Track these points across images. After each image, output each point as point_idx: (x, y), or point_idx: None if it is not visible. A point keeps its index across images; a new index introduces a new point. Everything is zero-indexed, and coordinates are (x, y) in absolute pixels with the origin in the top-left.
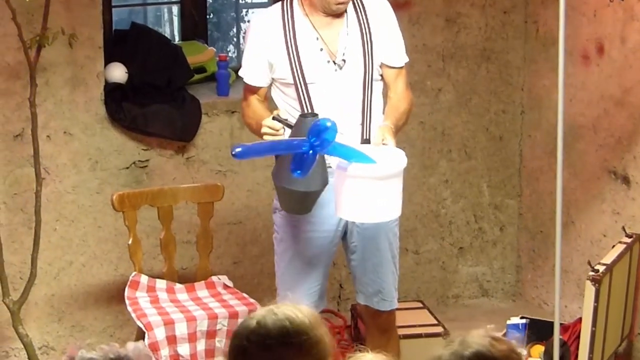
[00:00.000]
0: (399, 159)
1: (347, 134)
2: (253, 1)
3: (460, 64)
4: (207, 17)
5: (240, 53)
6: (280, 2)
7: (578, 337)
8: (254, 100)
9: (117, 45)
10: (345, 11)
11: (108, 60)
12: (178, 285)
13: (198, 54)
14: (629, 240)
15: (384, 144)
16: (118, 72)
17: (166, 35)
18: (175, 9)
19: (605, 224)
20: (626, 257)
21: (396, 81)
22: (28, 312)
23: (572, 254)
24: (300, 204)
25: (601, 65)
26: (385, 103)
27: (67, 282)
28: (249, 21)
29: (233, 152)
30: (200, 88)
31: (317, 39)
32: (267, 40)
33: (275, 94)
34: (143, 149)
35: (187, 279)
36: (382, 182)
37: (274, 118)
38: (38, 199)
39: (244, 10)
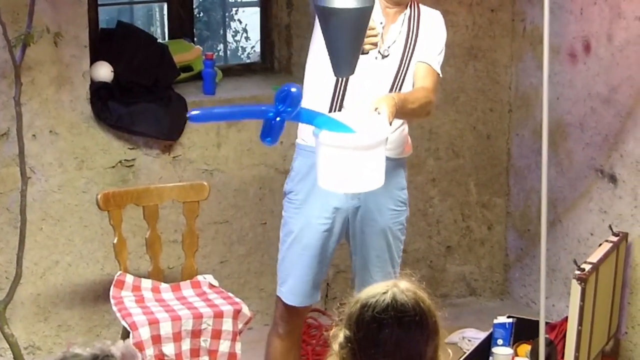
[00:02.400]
0: (379, 130)
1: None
2: (242, 0)
3: (448, 62)
4: (197, 16)
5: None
6: None
7: (565, 336)
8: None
9: (103, 44)
10: (404, 11)
11: (94, 59)
12: (163, 285)
13: (184, 53)
14: (615, 239)
15: (377, 112)
16: (104, 71)
17: (155, 34)
18: (164, 8)
19: (592, 223)
20: (613, 255)
21: (424, 80)
22: (14, 311)
23: (559, 252)
24: None
25: (588, 64)
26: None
27: (53, 281)
28: (239, 20)
29: (188, 115)
30: (186, 87)
31: (381, 23)
32: None
33: (309, 77)
34: (129, 148)
35: (173, 278)
36: (355, 152)
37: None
38: (24, 198)
39: (234, 10)
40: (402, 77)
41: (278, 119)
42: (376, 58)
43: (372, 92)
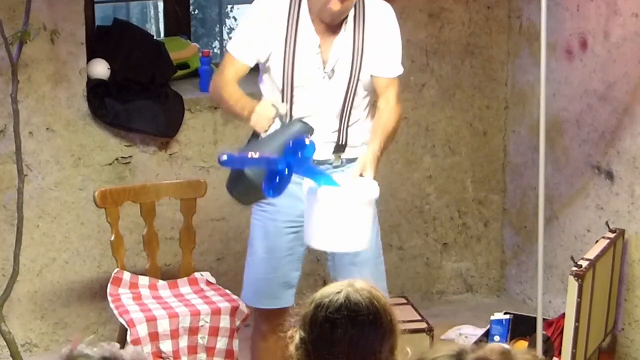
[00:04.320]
0: (370, 189)
1: (322, 139)
2: None
3: (444, 59)
4: (192, 13)
5: (223, 48)
6: None
7: (562, 332)
8: (234, 79)
9: (99, 41)
10: (346, 18)
11: (90, 57)
12: (160, 282)
13: (181, 50)
14: (612, 235)
15: (362, 175)
16: (100, 68)
17: (151, 31)
18: (160, 5)
19: (589, 219)
20: (609, 252)
21: (387, 91)
22: (11, 309)
23: (556, 249)
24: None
25: (584, 60)
26: (373, 113)
27: (50, 278)
28: (234, 18)
29: (220, 160)
30: (183, 84)
31: (317, 44)
32: (269, 25)
33: (264, 87)
34: (126, 145)
35: (170, 275)
36: (349, 209)
37: (276, 114)
38: (20, 196)
39: (229, 7)
40: (352, 93)
41: (287, 171)
42: (323, 77)
43: (323, 109)
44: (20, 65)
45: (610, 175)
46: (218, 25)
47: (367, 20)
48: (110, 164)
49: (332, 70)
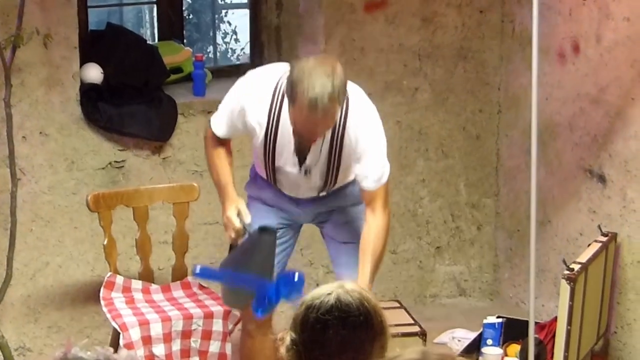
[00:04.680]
0: None
1: (300, 194)
2: (232, 2)
3: (437, 63)
4: (187, 18)
5: (217, 53)
6: (272, 91)
7: (554, 336)
8: (220, 146)
9: (92, 45)
10: None
11: (84, 61)
12: (153, 286)
13: (174, 54)
14: (604, 239)
15: None
16: (94, 73)
17: (145, 35)
18: (154, 10)
19: (581, 223)
20: (602, 255)
21: (372, 201)
22: (4, 313)
23: (548, 252)
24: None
25: (577, 64)
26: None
27: (43, 282)
28: (229, 22)
29: (194, 272)
30: (176, 88)
31: (293, 146)
32: (249, 121)
33: (254, 148)
34: (119, 149)
35: (163, 279)
36: None
37: (242, 223)
38: (14, 200)
39: (223, 12)
40: (332, 183)
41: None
42: (299, 172)
43: (304, 189)
44: (14, 69)
45: (602, 179)
46: (212, 30)
47: (347, 131)
48: (103, 168)
49: (308, 171)
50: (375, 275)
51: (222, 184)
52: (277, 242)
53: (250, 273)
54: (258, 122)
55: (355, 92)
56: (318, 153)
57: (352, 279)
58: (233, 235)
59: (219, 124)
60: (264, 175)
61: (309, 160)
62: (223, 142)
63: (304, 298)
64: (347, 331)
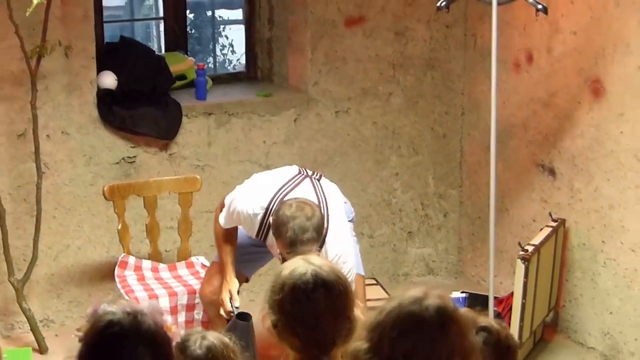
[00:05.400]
0: None
1: None
2: (229, 18)
3: (408, 72)
4: (190, 32)
5: (216, 62)
6: (262, 215)
7: (511, 309)
8: (229, 233)
9: (108, 55)
10: None
11: (100, 69)
12: (161, 265)
13: (179, 63)
14: (554, 224)
15: None
16: (109, 79)
17: (153, 47)
18: (161, 25)
19: (534, 210)
20: (552, 238)
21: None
22: (30, 289)
23: (506, 236)
24: None
25: (530, 72)
26: None
27: (64, 263)
28: (226, 36)
29: None
30: (181, 93)
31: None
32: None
33: None
34: (131, 147)
35: (170, 259)
36: None
37: (232, 306)
38: (39, 191)
39: (221, 27)
40: None
41: None
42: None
43: None
44: (39, 76)
45: (552, 172)
46: (212, 43)
47: (325, 248)
48: (117, 163)
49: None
50: None
51: (223, 262)
52: (254, 246)
53: None
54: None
55: (334, 217)
56: None
57: None
58: (225, 315)
59: (225, 222)
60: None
61: None
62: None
63: (282, 280)
64: (331, 300)
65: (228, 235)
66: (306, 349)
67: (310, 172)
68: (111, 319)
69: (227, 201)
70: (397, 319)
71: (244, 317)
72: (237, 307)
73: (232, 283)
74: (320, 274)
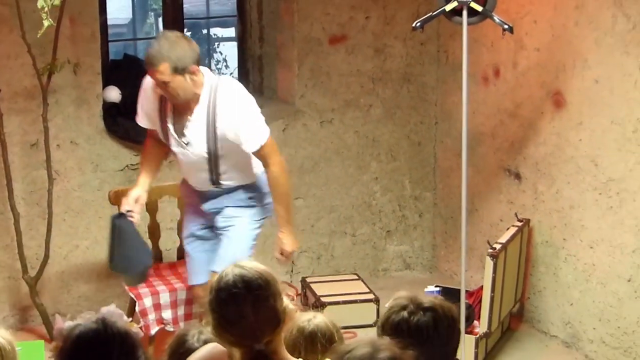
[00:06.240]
0: None
1: (199, 176)
2: (223, 36)
3: (387, 85)
4: None
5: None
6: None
7: (481, 301)
8: (149, 142)
9: (112, 72)
10: (198, 101)
11: (105, 84)
12: (162, 263)
13: None
14: (520, 223)
15: (285, 249)
16: (114, 94)
17: None
18: None
19: (501, 211)
20: (518, 237)
21: (263, 159)
22: (43, 285)
23: (476, 235)
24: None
25: (498, 85)
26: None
27: (74, 261)
28: (220, 52)
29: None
30: None
31: (171, 121)
32: (150, 105)
33: None
34: (134, 155)
35: (170, 258)
36: None
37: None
38: (50, 196)
39: (216, 43)
40: (214, 157)
41: None
42: (182, 147)
43: (192, 164)
44: (50, 91)
45: (518, 176)
46: (207, 58)
47: (219, 106)
48: (122, 170)
49: (188, 143)
50: (291, 214)
51: (140, 169)
52: (202, 241)
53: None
54: (154, 105)
55: (228, 78)
56: (193, 125)
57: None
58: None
59: (139, 118)
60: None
61: (186, 131)
62: (157, 141)
63: (211, 284)
64: (252, 295)
65: (149, 155)
66: (238, 343)
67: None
68: (82, 329)
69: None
70: None
71: (121, 216)
72: (128, 211)
73: (135, 190)
74: (241, 273)
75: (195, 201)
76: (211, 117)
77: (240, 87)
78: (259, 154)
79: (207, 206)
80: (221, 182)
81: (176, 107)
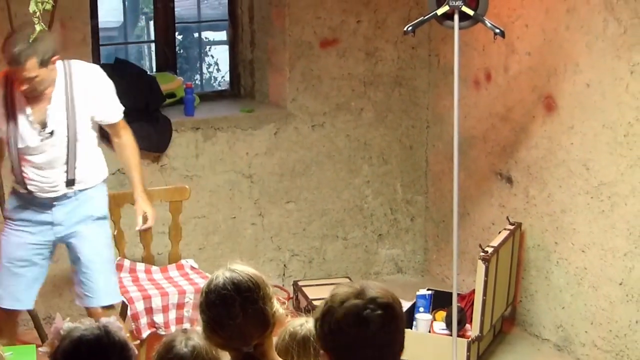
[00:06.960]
0: None
1: (53, 178)
2: (214, 39)
3: (378, 89)
4: (179, 52)
5: (202, 80)
6: (4, 72)
7: (473, 304)
8: None
9: None
10: (54, 86)
11: None
12: (154, 267)
13: (169, 83)
14: (511, 227)
15: (144, 217)
16: None
17: (145, 67)
18: (152, 46)
19: (493, 215)
20: (510, 240)
21: (119, 132)
22: None
23: (467, 238)
24: None
25: (489, 89)
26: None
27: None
28: (212, 56)
29: None
30: (171, 110)
31: (29, 113)
32: None
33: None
34: None
35: (161, 262)
36: None
37: None
38: None
39: (207, 47)
40: (73, 142)
41: None
42: (43, 139)
43: (50, 160)
44: None
45: (509, 180)
46: (199, 62)
47: (75, 83)
48: (113, 174)
49: (52, 132)
50: (144, 179)
51: None
52: (32, 271)
53: None
54: None
55: (76, 60)
56: (53, 110)
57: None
58: None
59: None
60: (18, 177)
61: (48, 119)
62: None
63: (202, 287)
64: (241, 298)
65: None
66: (227, 345)
67: None
68: (84, 333)
69: None
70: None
71: None
72: None
73: None
74: (231, 275)
75: (33, 213)
76: (69, 96)
77: (95, 67)
78: (118, 125)
79: (58, 217)
80: (75, 180)
81: (30, 100)
